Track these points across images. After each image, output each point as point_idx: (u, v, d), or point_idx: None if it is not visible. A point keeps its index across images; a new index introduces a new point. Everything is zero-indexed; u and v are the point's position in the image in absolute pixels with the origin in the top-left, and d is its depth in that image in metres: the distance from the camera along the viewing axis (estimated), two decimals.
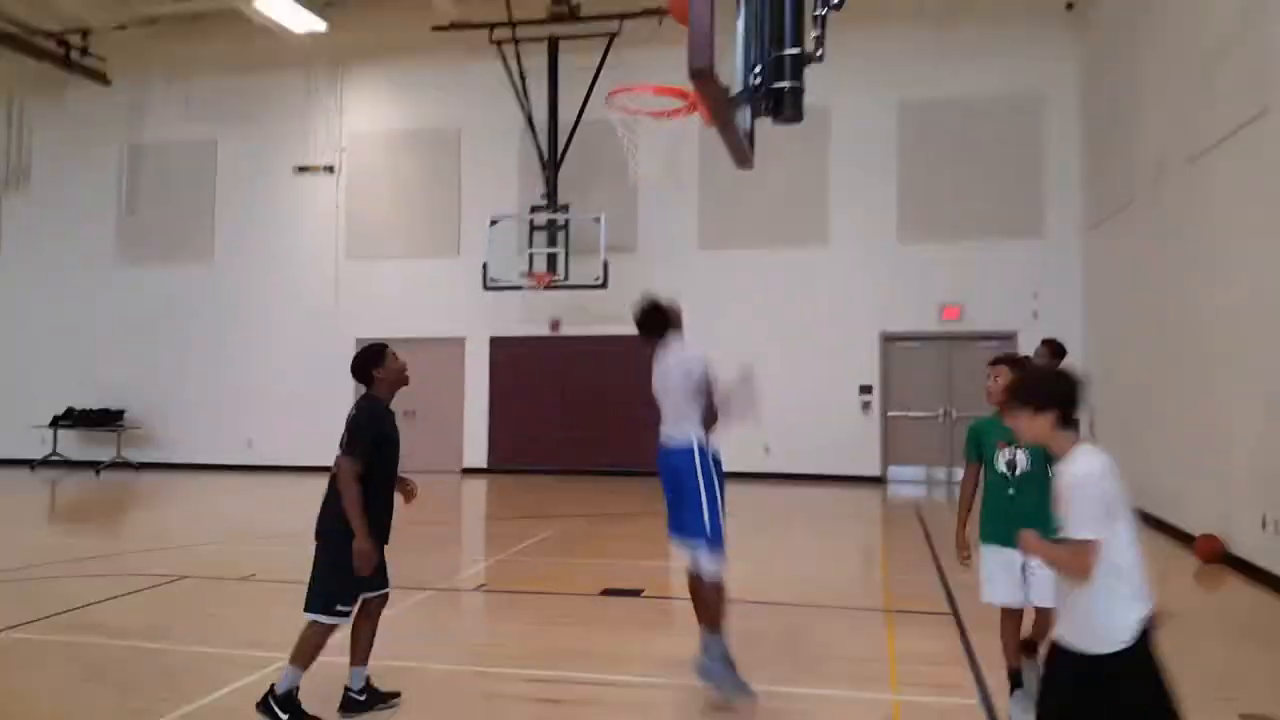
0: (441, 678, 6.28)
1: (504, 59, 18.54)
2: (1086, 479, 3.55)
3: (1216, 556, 10.31)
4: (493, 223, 18.49)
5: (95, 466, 20.82)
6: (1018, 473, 5.41)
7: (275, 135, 21.33)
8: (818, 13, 5.93)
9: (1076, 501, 3.51)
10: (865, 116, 18.41)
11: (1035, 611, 5.48)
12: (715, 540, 5.89)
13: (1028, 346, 15.76)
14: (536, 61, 18.78)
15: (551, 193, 18.63)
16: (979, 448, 5.59)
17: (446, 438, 19.48)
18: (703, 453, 5.97)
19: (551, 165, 18.70)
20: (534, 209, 18.73)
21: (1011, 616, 5.57)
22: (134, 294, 21.79)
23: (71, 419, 21.36)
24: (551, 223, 18.42)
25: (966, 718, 5.65)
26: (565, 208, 18.55)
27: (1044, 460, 5.19)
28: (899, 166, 18.37)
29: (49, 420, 21.37)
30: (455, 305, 19.93)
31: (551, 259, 18.29)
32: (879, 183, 18.41)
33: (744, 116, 6.24)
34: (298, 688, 5.36)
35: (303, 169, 21.12)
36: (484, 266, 18.35)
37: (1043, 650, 4.97)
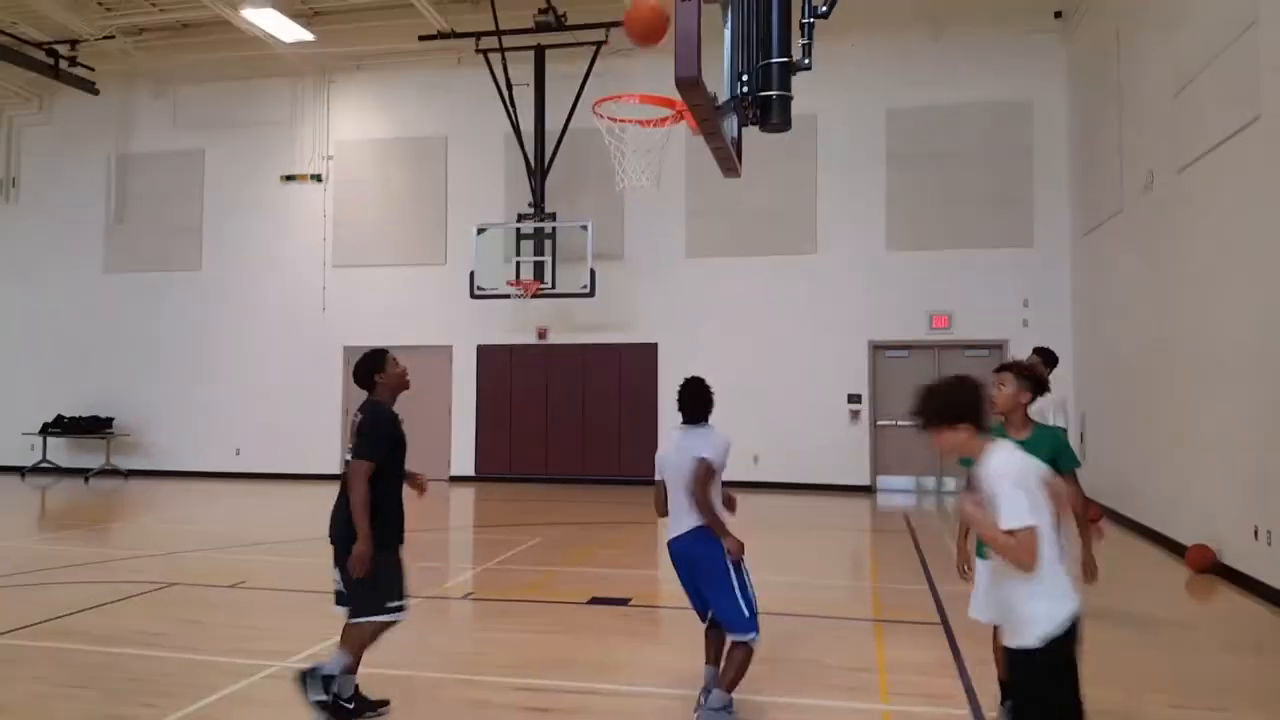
0: (429, 686, 6.26)
1: (491, 68, 18.51)
2: (1007, 470, 3.62)
3: (1208, 566, 10.31)
4: (480, 231, 18.51)
5: (84, 474, 20.77)
6: None
7: (263, 144, 21.30)
8: (804, 21, 5.95)
9: (1003, 494, 3.55)
10: (853, 125, 18.41)
11: None
12: (753, 619, 5.68)
13: (1017, 355, 15.77)
14: (523, 70, 18.77)
15: (538, 201, 18.62)
16: None
17: (434, 446, 19.42)
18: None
19: (538, 174, 18.70)
20: (521, 217, 18.73)
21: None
22: (123, 302, 21.76)
23: (61, 426, 21.31)
24: (538, 231, 18.42)
25: None
26: (552, 216, 18.54)
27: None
28: (887, 175, 18.35)
29: (39, 427, 21.33)
30: (442, 313, 19.92)
31: (538, 267, 18.28)
32: (867, 191, 18.39)
33: (731, 125, 6.26)
34: (334, 677, 5.50)
35: (290, 178, 21.09)
36: (471, 275, 18.38)
37: None
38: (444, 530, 13.83)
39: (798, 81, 5.87)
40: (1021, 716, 3.81)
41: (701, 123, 5.49)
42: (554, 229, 18.37)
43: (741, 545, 5.68)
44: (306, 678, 5.47)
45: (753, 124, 5.95)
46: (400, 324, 19.85)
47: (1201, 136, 10.84)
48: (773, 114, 5.82)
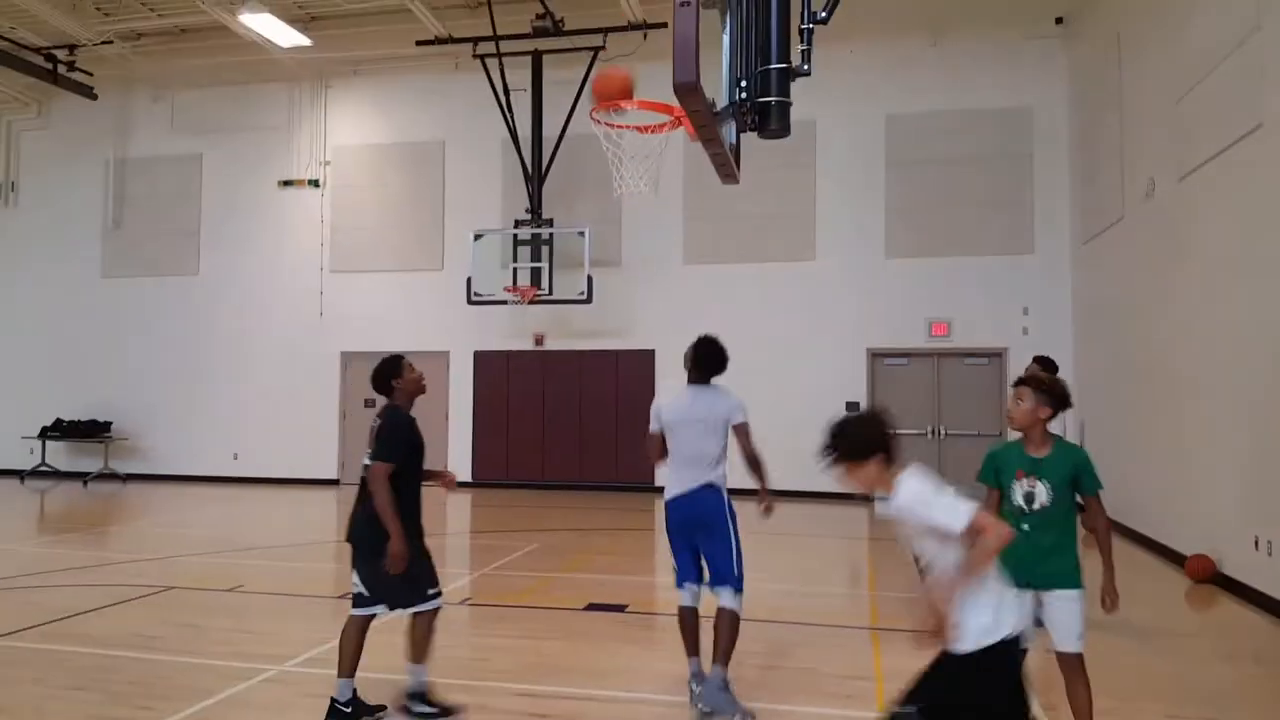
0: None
1: (488, 73, 18.51)
2: (922, 485, 3.63)
3: (1207, 576, 10.30)
4: (477, 237, 18.50)
5: (83, 477, 20.82)
6: (1035, 506, 4.93)
7: (260, 149, 21.32)
8: (804, 26, 5.94)
9: (933, 505, 3.56)
10: (852, 131, 18.38)
11: (1056, 656, 5.07)
12: (741, 580, 6.02)
13: (1017, 364, 15.80)
14: (521, 76, 18.77)
15: (535, 207, 18.62)
16: (997, 475, 5.11)
17: (430, 451, 19.12)
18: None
19: (535, 179, 18.70)
20: (518, 223, 18.73)
21: None
22: (121, 306, 21.79)
23: (60, 430, 21.36)
24: (535, 237, 18.41)
25: None
26: (549, 222, 18.55)
27: (1066, 493, 4.93)
28: (886, 181, 18.31)
29: (38, 431, 21.38)
30: (439, 319, 19.93)
31: (535, 273, 18.28)
32: (866, 197, 18.35)
33: (730, 131, 6.25)
34: (427, 684, 5.83)
35: (287, 183, 21.10)
36: (468, 280, 18.37)
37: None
38: (441, 535, 13.80)
39: (797, 88, 5.86)
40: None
41: (700, 129, 5.48)
42: (551, 235, 18.37)
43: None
44: (409, 706, 5.79)
45: (751, 130, 5.94)
46: (397, 329, 19.85)
47: (1203, 144, 10.79)
48: (772, 120, 5.81)
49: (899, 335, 18.18)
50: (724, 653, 5.82)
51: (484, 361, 20.03)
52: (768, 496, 6.21)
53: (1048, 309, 17.37)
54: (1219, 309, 10.46)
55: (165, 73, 21.11)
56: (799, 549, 12.89)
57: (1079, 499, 5.00)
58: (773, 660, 6.94)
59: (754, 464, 6.16)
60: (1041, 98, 17.68)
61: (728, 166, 6.31)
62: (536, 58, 18.83)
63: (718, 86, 5.64)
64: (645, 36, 17.64)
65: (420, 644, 5.82)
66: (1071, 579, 4.92)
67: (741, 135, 6.58)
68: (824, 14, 5.98)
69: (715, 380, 6.33)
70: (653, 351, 18.90)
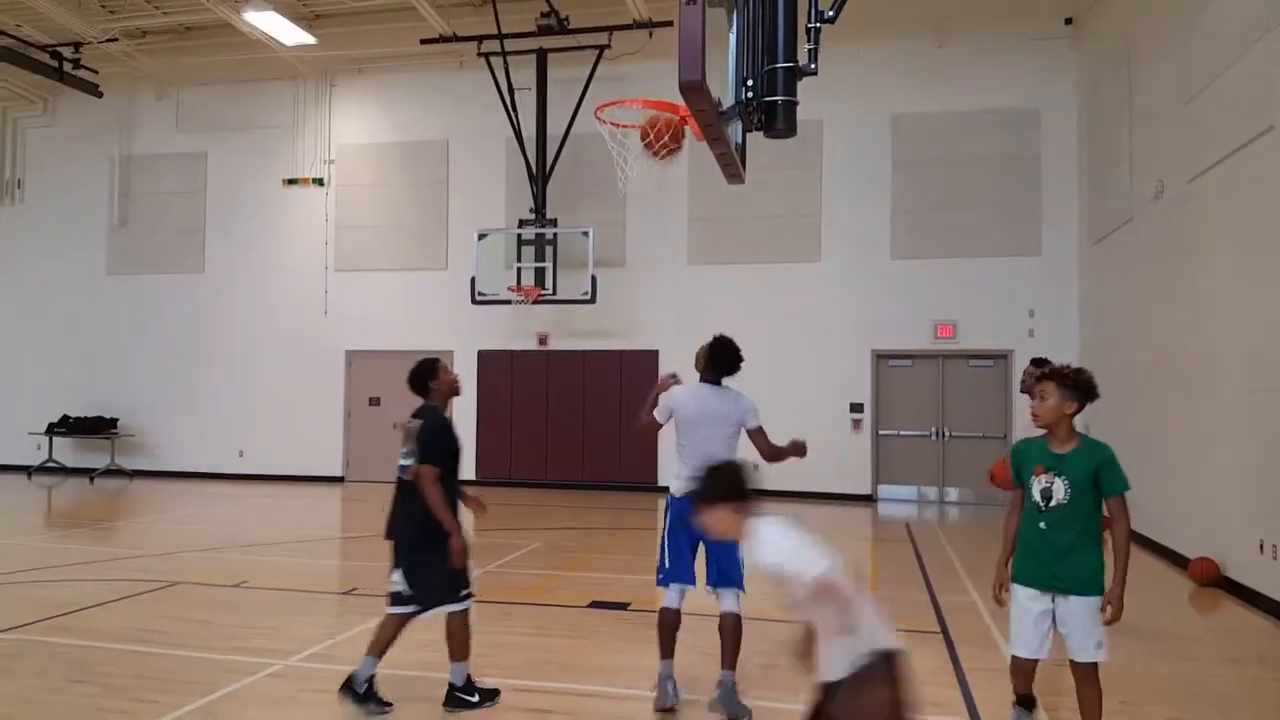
0: (430, 687, 6.24)
1: (492, 71, 18.51)
2: (778, 538, 3.65)
3: (1211, 579, 10.29)
4: (481, 236, 18.50)
5: (90, 473, 20.92)
6: (1052, 504, 4.80)
7: (264, 147, 21.37)
8: (810, 26, 5.93)
9: (787, 555, 3.59)
10: (858, 131, 18.36)
11: (1071, 666, 4.95)
12: (743, 582, 6.08)
13: (1022, 366, 15.70)
14: (525, 74, 18.78)
15: (540, 206, 18.61)
16: (1019, 472, 5.00)
17: None
18: None
19: (540, 178, 18.69)
20: (522, 222, 18.71)
21: (1028, 659, 5.09)
22: (126, 304, 21.86)
23: (66, 426, 21.42)
24: (540, 237, 18.40)
25: None
26: (553, 221, 18.53)
27: (1086, 492, 4.77)
28: (892, 182, 18.27)
29: (45, 427, 21.46)
30: (443, 318, 19.94)
31: (539, 273, 18.27)
32: (872, 198, 18.31)
33: (735, 131, 6.25)
34: (469, 675, 6.02)
35: (292, 181, 21.12)
36: (472, 280, 18.37)
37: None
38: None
39: (803, 87, 5.86)
40: None
41: (705, 128, 5.48)
42: (555, 235, 18.35)
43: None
44: (452, 698, 5.96)
45: (757, 130, 5.93)
46: (401, 328, 19.92)
47: (1213, 146, 10.76)
48: (778, 120, 5.80)
49: (904, 337, 18.16)
50: (732, 657, 5.90)
51: (488, 361, 20.04)
52: (796, 444, 6.38)
53: (1054, 311, 17.32)
54: (1227, 312, 10.43)
55: (170, 71, 21.16)
56: None
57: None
58: (775, 658, 6.94)
59: (776, 455, 6.30)
60: (1050, 99, 17.60)
61: (733, 166, 6.30)
62: (541, 56, 18.82)
63: (724, 85, 5.64)
64: (651, 35, 17.66)
65: (458, 642, 5.97)
66: (1090, 584, 4.78)
67: (747, 135, 6.58)
68: (831, 13, 5.97)
69: (725, 382, 6.39)
70: (656, 352, 18.87)
